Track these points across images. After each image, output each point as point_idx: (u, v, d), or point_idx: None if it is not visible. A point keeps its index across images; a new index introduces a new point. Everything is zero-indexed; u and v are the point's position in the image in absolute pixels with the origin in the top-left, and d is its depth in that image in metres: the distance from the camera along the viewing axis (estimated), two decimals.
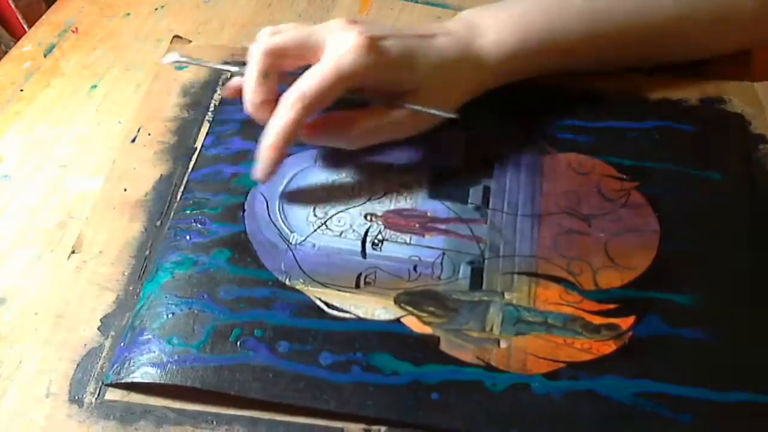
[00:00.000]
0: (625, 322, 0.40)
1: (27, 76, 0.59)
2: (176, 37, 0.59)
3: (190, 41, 0.59)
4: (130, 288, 0.44)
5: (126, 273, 0.45)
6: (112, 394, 0.39)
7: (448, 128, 0.50)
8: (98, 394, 0.40)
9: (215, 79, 0.55)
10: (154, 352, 0.40)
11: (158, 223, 0.47)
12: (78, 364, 0.41)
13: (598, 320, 0.41)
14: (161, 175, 0.49)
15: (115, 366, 0.40)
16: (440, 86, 0.46)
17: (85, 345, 0.42)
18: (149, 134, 0.52)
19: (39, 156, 0.53)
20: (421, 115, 0.46)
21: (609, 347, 0.39)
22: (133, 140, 0.51)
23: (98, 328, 0.42)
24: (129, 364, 0.39)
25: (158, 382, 0.39)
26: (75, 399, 0.39)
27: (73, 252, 0.45)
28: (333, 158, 0.49)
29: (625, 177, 0.47)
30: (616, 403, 0.37)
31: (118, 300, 0.43)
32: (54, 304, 0.43)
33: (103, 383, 0.40)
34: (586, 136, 0.49)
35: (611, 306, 0.41)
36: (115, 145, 0.53)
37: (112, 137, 0.53)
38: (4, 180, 0.51)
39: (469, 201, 0.46)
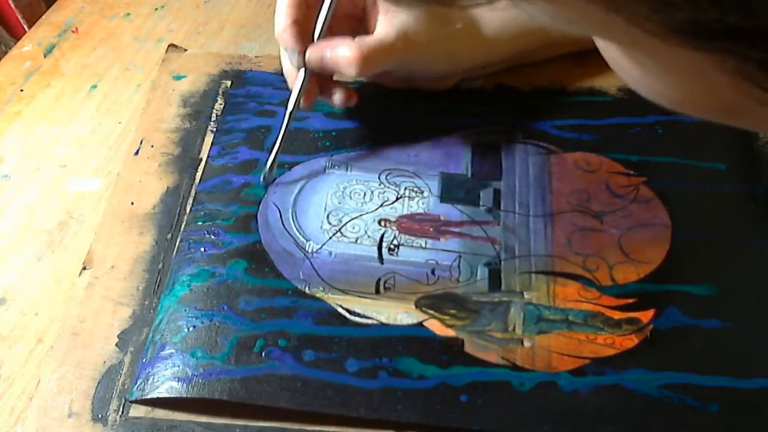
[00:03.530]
0: (645, 316, 0.41)
1: (27, 76, 0.58)
2: (171, 45, 0.58)
3: (185, 50, 0.58)
4: (146, 302, 0.43)
5: (140, 287, 0.44)
6: (137, 411, 0.39)
7: (455, 133, 0.50)
8: (122, 412, 0.39)
9: (215, 88, 0.55)
10: (178, 366, 0.39)
11: (169, 236, 0.46)
12: (99, 382, 0.40)
13: (618, 315, 0.41)
14: (168, 188, 0.49)
15: (138, 382, 0.39)
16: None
17: (104, 362, 0.41)
18: (152, 146, 0.51)
19: (39, 156, 0.52)
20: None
21: (631, 341, 0.40)
22: (137, 153, 0.51)
23: (116, 345, 0.42)
24: (153, 379, 0.39)
25: (185, 396, 0.38)
26: (99, 417, 0.39)
27: (84, 268, 0.45)
28: (343, 165, 0.49)
29: (632, 172, 0.48)
30: (643, 396, 0.38)
31: (135, 315, 0.43)
32: (68, 321, 0.42)
33: (126, 400, 0.39)
34: (591, 134, 0.50)
35: (630, 300, 0.42)
36: (116, 146, 0.52)
37: (112, 137, 0.53)
38: (4, 180, 0.51)
39: (481, 203, 0.47)
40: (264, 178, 0.48)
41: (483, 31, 0.50)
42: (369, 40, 0.45)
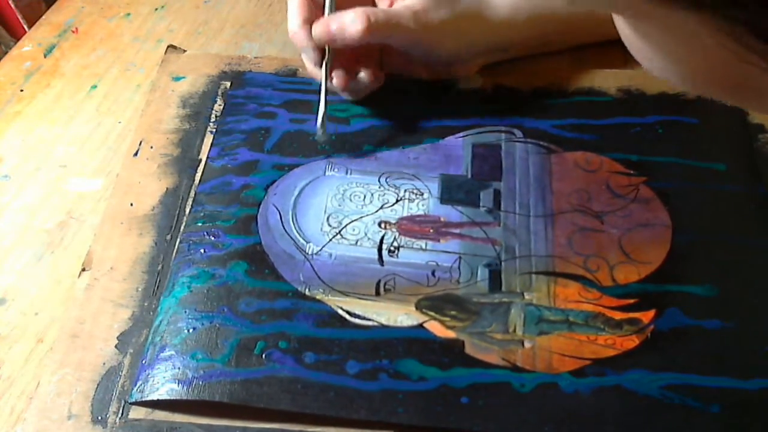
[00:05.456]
0: (646, 316, 0.41)
1: (27, 76, 0.58)
2: (170, 46, 0.58)
3: (184, 50, 0.58)
4: (145, 304, 0.43)
5: (140, 289, 0.44)
6: (136, 413, 0.39)
7: (455, 134, 0.50)
8: (121, 414, 0.39)
9: (214, 89, 0.55)
10: (178, 368, 0.39)
11: (168, 237, 0.46)
12: (98, 384, 0.40)
13: (619, 315, 0.41)
14: (167, 189, 0.49)
15: (138, 383, 0.39)
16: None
17: (104, 364, 0.41)
18: (151, 147, 0.51)
19: (39, 156, 0.53)
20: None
21: (632, 342, 0.40)
22: (136, 154, 0.51)
23: (116, 346, 0.42)
24: (153, 381, 0.39)
25: (185, 398, 0.38)
26: (98, 419, 0.39)
27: (83, 270, 0.45)
28: (343, 168, 0.49)
29: (632, 172, 0.48)
30: (644, 396, 0.38)
31: (134, 316, 0.43)
32: (67, 323, 0.42)
33: (126, 402, 0.39)
34: (591, 133, 0.50)
35: (631, 301, 0.42)
36: (115, 146, 0.53)
37: (112, 137, 0.53)
38: (4, 180, 0.51)
39: (481, 204, 0.47)
40: (319, 135, 0.49)
41: (495, 13, 0.51)
42: (376, 8, 0.47)
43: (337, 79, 0.49)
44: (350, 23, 0.46)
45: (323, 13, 0.48)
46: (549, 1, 0.51)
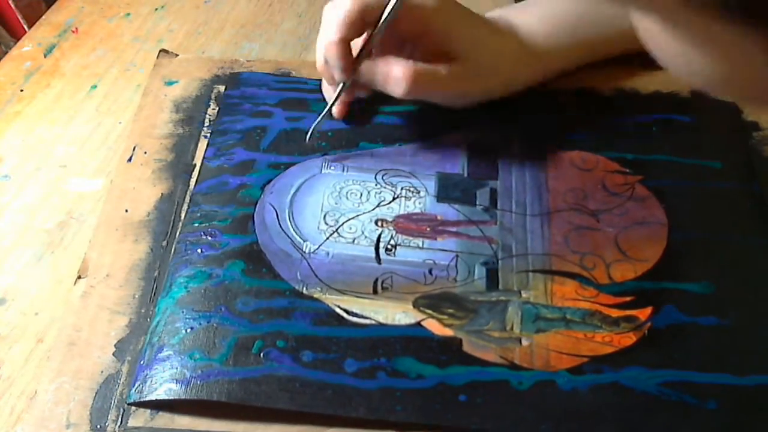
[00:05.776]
0: (643, 314, 0.41)
1: (27, 76, 0.58)
2: (162, 51, 0.58)
3: (176, 55, 0.58)
4: (142, 311, 0.43)
5: (136, 295, 0.44)
6: (135, 420, 0.39)
7: (451, 133, 0.50)
8: (121, 422, 0.39)
9: (207, 93, 0.55)
10: (176, 368, 0.39)
11: (164, 243, 0.46)
12: (96, 392, 0.40)
13: (616, 313, 0.41)
14: (162, 194, 0.49)
15: (136, 384, 0.39)
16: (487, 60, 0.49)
17: (102, 372, 0.41)
18: (145, 152, 0.51)
19: (39, 156, 0.53)
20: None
21: (629, 339, 0.40)
22: (130, 159, 0.51)
23: (113, 354, 0.41)
24: (151, 381, 0.39)
25: (183, 398, 0.38)
26: (97, 428, 0.38)
27: (79, 277, 0.44)
28: (340, 165, 0.49)
29: (628, 171, 0.48)
30: (641, 393, 0.38)
31: (131, 324, 0.43)
32: (64, 331, 0.42)
33: (124, 410, 0.39)
34: (587, 132, 0.50)
35: (627, 298, 0.42)
36: (116, 146, 0.53)
37: (112, 137, 0.53)
38: (4, 180, 0.51)
39: (477, 203, 0.47)
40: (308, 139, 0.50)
41: (534, 46, 0.50)
42: (423, 65, 0.46)
43: (338, 108, 0.50)
44: (395, 82, 0.45)
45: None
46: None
